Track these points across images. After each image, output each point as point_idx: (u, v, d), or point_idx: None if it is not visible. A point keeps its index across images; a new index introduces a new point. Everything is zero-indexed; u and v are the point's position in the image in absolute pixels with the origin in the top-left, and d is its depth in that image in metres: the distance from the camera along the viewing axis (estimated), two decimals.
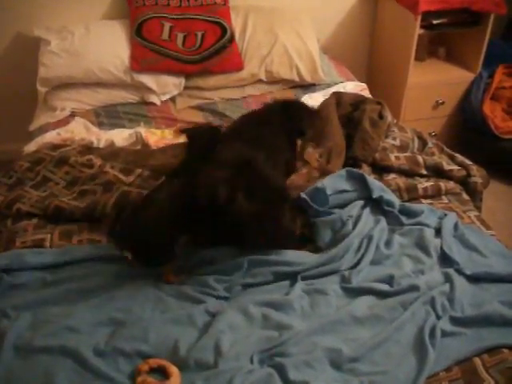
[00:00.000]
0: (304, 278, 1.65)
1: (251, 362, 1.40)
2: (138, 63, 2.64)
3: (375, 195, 1.91)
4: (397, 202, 1.92)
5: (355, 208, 1.89)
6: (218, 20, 2.76)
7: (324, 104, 2.36)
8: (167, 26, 2.71)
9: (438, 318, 1.51)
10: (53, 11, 2.85)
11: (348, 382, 1.35)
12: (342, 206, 1.91)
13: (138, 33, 2.69)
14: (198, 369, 1.37)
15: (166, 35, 2.70)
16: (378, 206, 1.91)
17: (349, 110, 2.33)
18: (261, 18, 2.87)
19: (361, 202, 1.92)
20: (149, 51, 2.67)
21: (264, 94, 2.78)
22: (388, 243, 1.79)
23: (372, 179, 1.98)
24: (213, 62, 2.70)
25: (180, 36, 2.72)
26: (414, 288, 1.59)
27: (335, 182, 1.94)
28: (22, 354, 1.40)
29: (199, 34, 2.73)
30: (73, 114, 2.58)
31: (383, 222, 1.86)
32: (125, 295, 1.57)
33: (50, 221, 1.89)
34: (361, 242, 1.76)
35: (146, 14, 2.71)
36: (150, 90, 2.67)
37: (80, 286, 1.61)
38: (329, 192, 1.88)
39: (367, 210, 1.89)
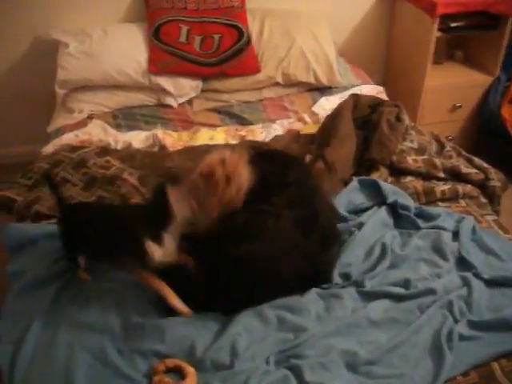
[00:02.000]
0: None
1: (267, 363, 1.40)
2: (156, 66, 2.65)
3: (390, 200, 1.90)
4: (412, 205, 1.91)
5: (366, 215, 1.88)
6: (235, 23, 2.78)
7: (339, 108, 2.34)
8: (185, 29, 2.73)
9: (456, 321, 1.50)
10: (70, 14, 2.88)
11: None
12: (358, 213, 1.92)
13: (156, 35, 2.71)
14: (214, 369, 1.37)
15: (183, 38, 2.72)
16: (393, 210, 1.90)
17: (367, 112, 2.32)
18: (278, 20, 2.88)
19: (374, 209, 1.91)
20: (166, 54, 2.68)
21: (281, 96, 2.78)
22: (404, 247, 1.78)
23: (385, 184, 1.98)
24: (230, 64, 2.71)
25: (197, 39, 2.73)
26: (430, 291, 1.58)
27: (349, 197, 1.94)
28: (42, 350, 1.42)
29: (216, 37, 2.74)
30: (90, 116, 2.60)
31: (392, 228, 1.85)
32: (141, 296, 1.57)
33: None
34: (372, 247, 1.75)
35: (163, 17, 2.73)
36: (167, 92, 2.69)
37: (96, 284, 1.63)
38: (343, 209, 1.88)
39: (376, 216, 1.87)
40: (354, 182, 1.98)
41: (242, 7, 2.83)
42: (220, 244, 1.54)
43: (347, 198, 1.93)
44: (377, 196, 1.95)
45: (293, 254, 1.54)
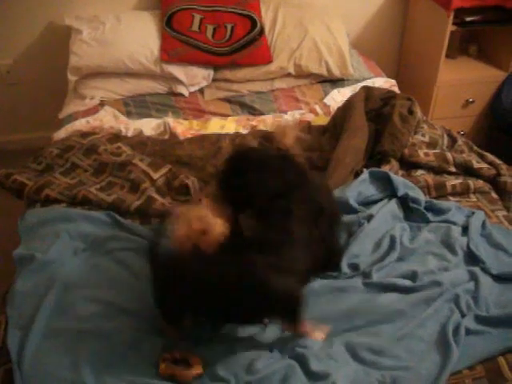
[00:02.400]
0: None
1: (271, 351, 1.40)
2: (168, 54, 2.65)
3: (400, 193, 1.90)
4: (423, 199, 1.91)
5: (376, 207, 1.89)
6: (248, 13, 2.77)
7: (350, 99, 2.33)
8: (197, 17, 2.72)
9: (463, 315, 1.50)
10: (83, 0, 2.87)
11: (369, 375, 1.35)
12: (368, 204, 1.92)
13: (169, 24, 2.70)
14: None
15: (196, 27, 2.71)
16: (403, 203, 1.90)
17: (379, 105, 2.31)
18: (291, 11, 2.86)
19: (384, 201, 1.91)
20: (178, 42, 2.68)
21: (293, 87, 2.77)
22: (413, 240, 1.78)
23: (396, 177, 1.97)
24: (242, 54, 2.70)
25: (210, 28, 2.73)
26: (436, 284, 1.58)
27: (359, 188, 1.93)
28: (50, 335, 1.43)
29: (229, 27, 2.73)
30: (102, 103, 2.60)
31: (402, 220, 1.85)
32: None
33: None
34: (381, 239, 1.75)
35: (176, 5, 2.73)
36: (178, 80, 2.68)
37: (107, 272, 1.64)
38: (352, 200, 1.88)
39: (386, 209, 1.87)
40: (365, 174, 1.97)
41: None
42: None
43: (357, 189, 1.92)
44: (387, 188, 1.94)
45: (311, 245, 1.48)
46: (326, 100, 2.64)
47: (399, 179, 1.96)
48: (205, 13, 2.74)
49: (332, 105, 2.55)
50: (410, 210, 1.89)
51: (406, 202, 1.89)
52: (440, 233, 1.79)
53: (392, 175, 1.96)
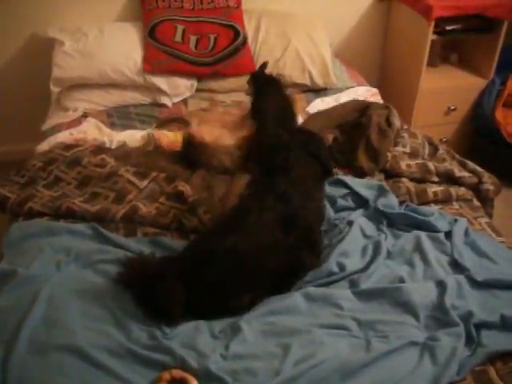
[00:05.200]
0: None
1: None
2: (151, 64, 2.65)
3: (372, 203, 1.93)
4: (395, 203, 1.93)
5: (354, 215, 1.90)
6: (231, 23, 2.78)
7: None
8: (180, 28, 2.73)
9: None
10: (66, 13, 2.87)
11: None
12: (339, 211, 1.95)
13: (151, 34, 2.71)
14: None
15: (179, 37, 2.71)
16: (378, 210, 1.92)
17: (355, 116, 2.33)
18: (274, 21, 2.88)
19: (360, 210, 1.93)
20: (161, 53, 2.68)
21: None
22: (393, 247, 1.79)
23: (361, 183, 2.01)
24: (225, 64, 2.71)
25: (193, 39, 2.73)
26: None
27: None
28: (35, 351, 1.39)
29: (212, 37, 2.74)
30: (85, 115, 2.59)
31: (384, 227, 1.87)
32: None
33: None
34: (365, 247, 1.76)
35: (159, 16, 2.73)
36: (162, 91, 2.69)
37: (94, 285, 1.61)
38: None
39: (365, 215, 1.90)
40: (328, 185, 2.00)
41: (238, 7, 2.83)
42: (205, 238, 1.62)
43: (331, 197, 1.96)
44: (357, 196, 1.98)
45: (273, 249, 1.57)
46: (308, 109, 2.65)
47: (364, 183, 2.01)
48: (188, 23, 2.74)
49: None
50: (386, 217, 1.90)
51: (380, 210, 1.91)
52: (413, 241, 1.79)
53: (350, 181, 1.99)
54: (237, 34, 2.76)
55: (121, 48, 2.69)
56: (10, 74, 3.01)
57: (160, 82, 2.67)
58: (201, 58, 2.71)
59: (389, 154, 2.18)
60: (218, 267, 1.51)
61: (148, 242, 1.80)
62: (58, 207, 1.91)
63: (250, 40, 2.80)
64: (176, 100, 2.72)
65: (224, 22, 2.78)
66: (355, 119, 2.32)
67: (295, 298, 1.56)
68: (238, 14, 2.83)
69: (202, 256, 1.54)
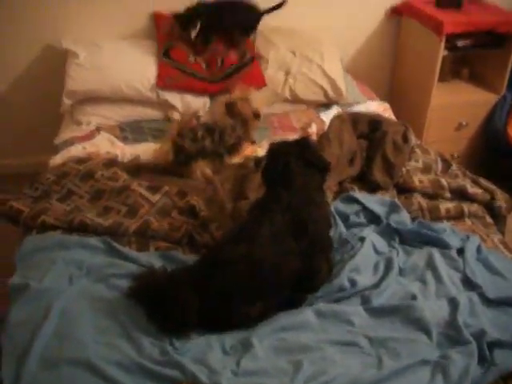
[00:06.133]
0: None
1: None
2: (164, 80, 2.67)
3: (384, 220, 1.93)
4: (407, 220, 1.93)
5: (366, 231, 1.90)
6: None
7: (334, 122, 2.36)
8: (191, 55, 2.77)
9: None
10: (81, 26, 2.90)
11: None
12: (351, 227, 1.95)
13: (167, 54, 2.73)
14: None
15: (192, 59, 2.74)
16: (391, 226, 1.92)
17: (368, 130, 2.34)
18: (285, 38, 2.90)
19: (371, 227, 1.94)
20: (174, 69, 2.70)
21: (287, 112, 2.79)
22: (405, 263, 1.78)
23: (374, 199, 2.02)
24: (235, 79, 2.70)
25: (202, 62, 2.76)
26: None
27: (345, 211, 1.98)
28: (47, 365, 1.40)
29: (219, 59, 2.76)
30: (98, 129, 2.61)
31: (396, 243, 1.87)
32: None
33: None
34: (377, 263, 1.76)
35: (173, 40, 2.76)
36: (174, 107, 2.70)
37: (106, 299, 1.61)
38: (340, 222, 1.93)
39: (377, 232, 1.90)
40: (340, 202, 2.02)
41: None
42: (217, 248, 1.63)
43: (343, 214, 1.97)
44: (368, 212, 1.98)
45: (286, 257, 1.58)
46: (321, 115, 2.69)
47: (376, 199, 2.02)
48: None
49: (327, 121, 2.55)
50: (399, 233, 1.91)
51: (392, 226, 1.92)
52: (426, 257, 1.79)
53: (368, 202, 1.99)
54: (244, 52, 2.79)
55: (135, 63, 2.71)
56: (24, 86, 3.04)
57: (172, 98, 2.68)
58: (211, 75, 2.72)
59: (403, 169, 2.18)
60: (231, 274, 1.52)
61: (160, 257, 1.80)
62: (70, 221, 1.92)
63: (261, 58, 2.81)
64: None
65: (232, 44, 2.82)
66: (368, 133, 2.33)
67: (306, 314, 1.56)
68: (247, 40, 2.86)
69: (215, 263, 1.55)
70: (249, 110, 2.36)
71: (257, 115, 2.38)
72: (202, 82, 2.72)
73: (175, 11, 2.76)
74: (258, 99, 2.43)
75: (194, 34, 2.67)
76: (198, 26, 2.65)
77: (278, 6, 2.81)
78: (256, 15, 2.82)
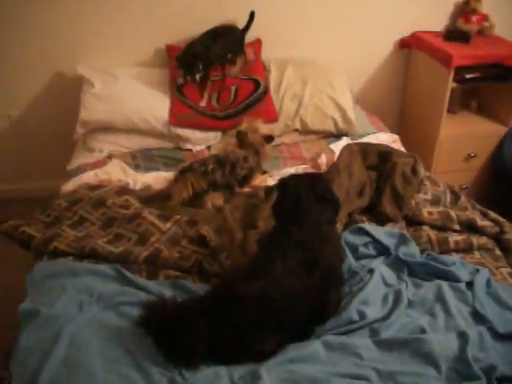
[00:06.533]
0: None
1: None
2: (176, 118, 2.70)
3: (393, 252, 1.93)
4: (416, 252, 1.94)
5: (375, 262, 1.90)
6: (251, 77, 2.85)
7: (344, 153, 2.38)
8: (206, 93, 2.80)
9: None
10: (96, 52, 2.95)
11: None
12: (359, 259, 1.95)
13: (179, 89, 2.78)
14: None
15: (203, 102, 2.78)
16: (400, 259, 1.92)
17: (376, 161, 2.36)
18: (295, 69, 2.94)
19: (381, 258, 1.94)
20: (187, 107, 2.73)
21: (297, 142, 2.82)
22: (415, 296, 1.78)
23: (383, 231, 2.02)
24: (247, 115, 2.68)
25: (214, 95, 2.80)
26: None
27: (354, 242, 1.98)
28: None
29: (233, 89, 2.80)
30: (110, 156, 2.64)
31: (405, 276, 1.87)
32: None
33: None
34: (386, 295, 1.76)
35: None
36: (186, 140, 2.73)
37: (116, 327, 1.61)
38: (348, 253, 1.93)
39: (386, 264, 1.90)
40: (349, 233, 2.02)
41: (256, 59, 2.92)
42: (230, 282, 1.61)
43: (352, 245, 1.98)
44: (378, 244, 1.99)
45: (300, 294, 1.58)
46: (331, 146, 2.71)
47: (386, 231, 2.02)
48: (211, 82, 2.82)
49: (337, 151, 2.55)
50: (408, 265, 1.91)
51: (402, 258, 1.92)
52: (433, 291, 1.79)
53: (377, 234, 2.00)
54: (257, 84, 2.82)
55: (148, 97, 2.75)
56: (37, 111, 3.09)
57: (184, 133, 2.71)
58: (223, 111, 2.75)
59: (412, 201, 2.19)
60: (245, 310, 1.51)
61: (170, 285, 1.81)
62: (82, 247, 1.94)
63: (271, 88, 2.85)
64: (200, 148, 2.76)
65: (244, 77, 2.86)
66: (378, 164, 2.35)
67: (315, 346, 1.55)
68: (258, 66, 2.91)
69: (228, 298, 1.54)
70: (258, 138, 2.38)
71: (269, 138, 2.40)
72: (213, 120, 2.74)
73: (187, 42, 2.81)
74: (265, 129, 2.45)
75: (198, 76, 2.72)
76: (201, 67, 2.70)
77: (251, 20, 2.93)
78: (240, 34, 2.93)
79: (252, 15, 2.92)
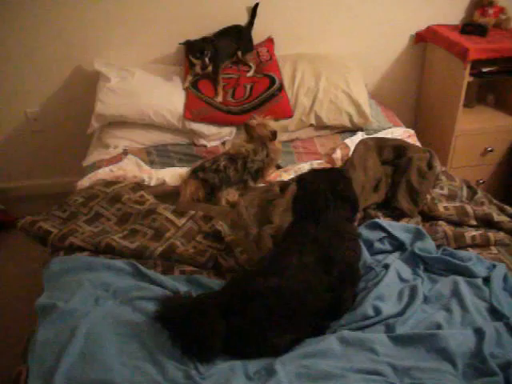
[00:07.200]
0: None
1: None
2: (191, 113, 2.70)
3: (408, 247, 1.92)
4: (433, 248, 1.92)
5: (390, 257, 1.89)
6: (266, 74, 2.85)
7: (359, 148, 2.38)
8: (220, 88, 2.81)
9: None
10: (113, 48, 2.97)
11: None
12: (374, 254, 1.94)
13: (195, 85, 2.78)
14: None
15: (219, 97, 2.77)
16: (415, 255, 1.91)
17: (392, 156, 2.34)
18: (309, 64, 2.93)
19: (397, 253, 1.93)
20: (202, 102, 2.74)
21: (312, 138, 2.82)
22: (430, 291, 1.77)
23: (399, 226, 2.01)
24: (262, 110, 2.69)
25: (230, 91, 2.80)
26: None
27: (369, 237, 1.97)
28: None
29: (248, 86, 2.81)
30: (125, 152, 2.66)
31: (420, 271, 1.85)
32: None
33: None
34: (401, 291, 1.75)
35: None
36: (201, 135, 2.74)
37: (132, 321, 1.62)
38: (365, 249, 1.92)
39: (401, 259, 1.89)
40: (364, 228, 2.01)
41: (270, 59, 2.92)
42: (247, 277, 1.63)
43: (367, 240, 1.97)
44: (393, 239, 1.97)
45: (317, 290, 1.58)
46: (346, 141, 2.70)
47: (401, 226, 2.01)
48: (226, 80, 2.84)
49: (352, 146, 2.55)
50: (423, 261, 1.90)
51: (417, 254, 1.90)
52: (449, 287, 1.77)
53: (393, 229, 1.98)
54: (272, 80, 2.81)
55: (164, 92, 2.75)
56: (54, 108, 3.12)
57: (199, 128, 2.72)
58: (238, 106, 2.75)
59: (427, 196, 2.18)
60: (261, 306, 1.52)
61: (185, 280, 1.82)
62: (97, 243, 1.95)
63: (286, 84, 2.84)
64: (214, 144, 2.77)
65: (259, 75, 2.86)
66: (393, 159, 2.33)
67: (330, 341, 1.55)
68: (272, 65, 2.90)
69: (245, 293, 1.55)
70: (266, 131, 2.38)
71: (273, 134, 2.39)
72: (228, 115, 2.75)
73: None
74: (274, 125, 2.43)
75: (207, 61, 2.74)
76: (209, 55, 2.73)
77: (254, 12, 2.95)
78: (246, 30, 2.96)
79: (255, 8, 2.92)
